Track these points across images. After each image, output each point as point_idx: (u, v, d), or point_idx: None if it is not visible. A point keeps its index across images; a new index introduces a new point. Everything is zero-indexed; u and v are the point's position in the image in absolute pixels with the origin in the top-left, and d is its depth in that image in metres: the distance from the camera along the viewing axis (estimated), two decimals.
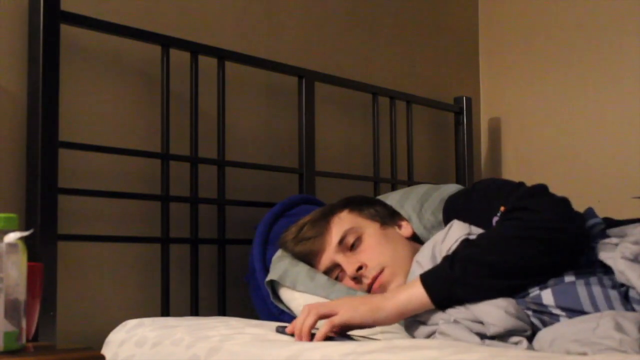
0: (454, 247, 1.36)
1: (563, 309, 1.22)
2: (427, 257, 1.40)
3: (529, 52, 2.83)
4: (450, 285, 1.27)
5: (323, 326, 1.26)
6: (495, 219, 1.38)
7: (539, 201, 1.33)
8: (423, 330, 1.30)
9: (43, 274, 1.32)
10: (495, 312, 1.22)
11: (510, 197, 1.39)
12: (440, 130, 2.76)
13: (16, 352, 1.07)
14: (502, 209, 1.37)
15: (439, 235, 1.43)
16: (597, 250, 1.30)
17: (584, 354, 1.06)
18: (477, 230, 1.40)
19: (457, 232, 1.39)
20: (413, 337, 1.33)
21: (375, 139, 2.35)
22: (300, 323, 1.28)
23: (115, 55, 1.83)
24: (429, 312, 1.30)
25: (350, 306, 1.28)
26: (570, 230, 1.29)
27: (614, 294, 1.22)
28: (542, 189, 1.38)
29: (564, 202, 1.34)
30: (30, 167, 1.59)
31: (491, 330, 1.21)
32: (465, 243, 1.34)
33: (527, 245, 1.26)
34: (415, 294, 1.29)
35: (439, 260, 1.36)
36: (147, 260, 1.84)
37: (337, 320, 1.27)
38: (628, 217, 1.45)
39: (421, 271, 1.33)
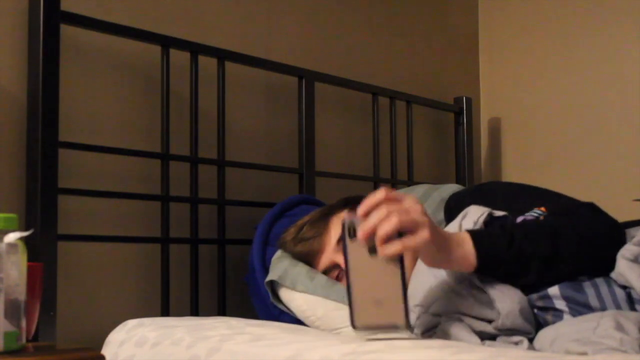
0: (481, 220, 1.33)
1: (568, 299, 1.21)
2: None
3: (529, 52, 2.83)
4: (499, 264, 1.22)
5: (395, 245, 1.11)
6: (522, 218, 1.37)
7: (590, 213, 1.34)
8: (425, 317, 1.28)
9: (43, 274, 1.32)
10: (510, 306, 1.20)
11: (552, 201, 1.38)
12: (440, 130, 2.76)
13: (16, 352, 1.06)
14: (542, 209, 1.36)
15: (452, 224, 1.40)
16: None
17: (584, 353, 1.05)
18: (498, 212, 1.38)
19: (478, 211, 1.37)
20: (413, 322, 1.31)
21: (375, 139, 2.35)
22: (375, 222, 1.10)
23: (115, 55, 1.83)
24: (434, 299, 1.28)
25: (431, 236, 1.13)
26: (618, 245, 1.28)
27: (620, 292, 1.22)
28: (593, 206, 1.37)
29: (614, 225, 1.33)
30: (30, 167, 1.59)
31: (499, 322, 1.20)
32: (530, 226, 1.28)
33: (582, 249, 1.26)
34: (467, 257, 1.20)
35: None
36: (147, 260, 1.84)
37: (412, 245, 1.12)
38: (628, 218, 1.45)
39: None
